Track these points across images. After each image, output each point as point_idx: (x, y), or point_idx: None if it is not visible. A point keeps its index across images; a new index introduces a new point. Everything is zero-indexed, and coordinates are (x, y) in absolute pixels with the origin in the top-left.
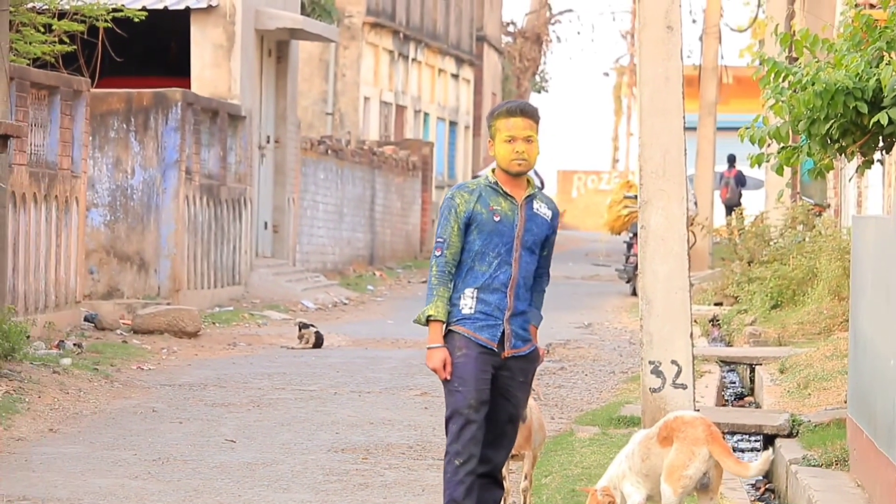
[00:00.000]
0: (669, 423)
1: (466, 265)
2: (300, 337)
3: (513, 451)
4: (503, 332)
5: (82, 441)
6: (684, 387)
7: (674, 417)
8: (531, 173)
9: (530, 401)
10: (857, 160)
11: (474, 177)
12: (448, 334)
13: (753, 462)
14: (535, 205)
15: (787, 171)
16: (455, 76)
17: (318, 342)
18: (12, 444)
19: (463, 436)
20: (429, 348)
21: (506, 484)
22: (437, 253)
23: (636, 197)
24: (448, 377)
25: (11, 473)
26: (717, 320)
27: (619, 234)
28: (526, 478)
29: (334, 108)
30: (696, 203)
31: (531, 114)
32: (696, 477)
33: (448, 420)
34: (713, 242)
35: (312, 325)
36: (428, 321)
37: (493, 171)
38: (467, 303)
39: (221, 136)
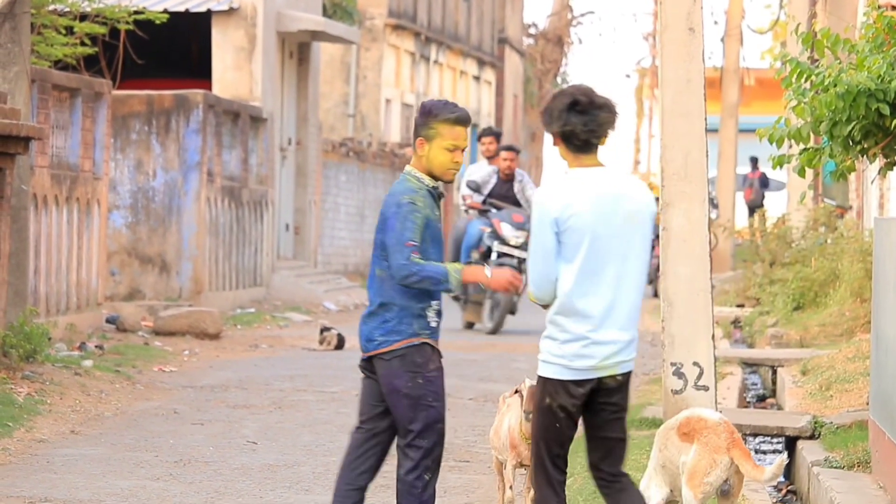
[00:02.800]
0: (692, 421)
1: None
2: (321, 340)
3: (526, 463)
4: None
5: (104, 443)
6: (706, 388)
7: (697, 417)
8: (527, 180)
9: None
10: (879, 162)
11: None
12: (421, 346)
13: (768, 467)
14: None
15: (809, 172)
16: (476, 78)
17: (340, 344)
18: (34, 445)
19: (435, 451)
20: (491, 274)
21: (510, 492)
22: (412, 261)
23: (658, 199)
24: (519, 285)
25: (33, 475)
26: (739, 322)
27: None
28: None
29: (356, 110)
30: (716, 205)
31: (470, 122)
32: (716, 484)
33: (419, 434)
34: (735, 244)
35: (333, 328)
36: (462, 273)
37: (412, 168)
38: (433, 316)
39: (243, 138)
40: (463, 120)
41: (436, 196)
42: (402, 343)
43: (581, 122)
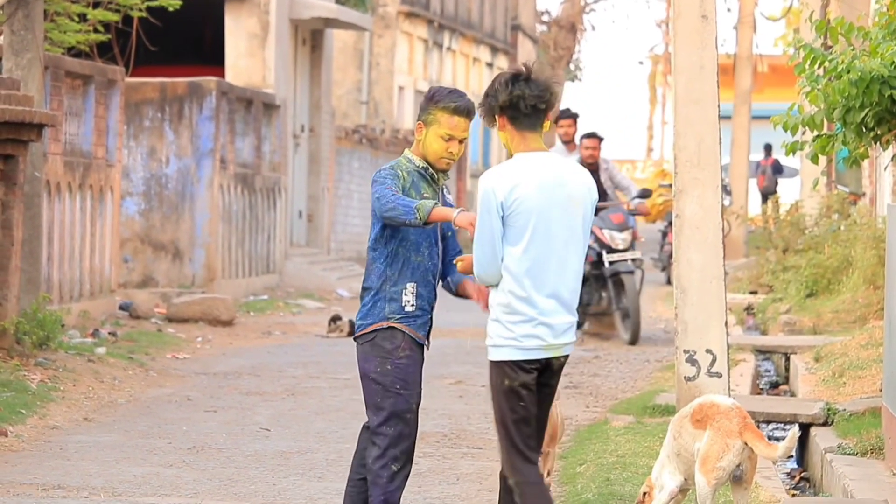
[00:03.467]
0: (704, 407)
1: (402, 256)
2: (332, 329)
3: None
4: (430, 327)
5: (117, 430)
6: (719, 375)
7: (710, 403)
8: (613, 167)
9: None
10: (893, 149)
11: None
12: (389, 330)
13: (781, 443)
14: (446, 191)
15: (822, 159)
16: (489, 65)
17: (353, 330)
18: (47, 432)
19: (403, 442)
20: (458, 217)
21: None
22: (394, 191)
23: (671, 186)
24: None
25: (47, 462)
26: (752, 309)
27: (654, 222)
28: (548, 474)
29: (369, 97)
30: (729, 192)
31: (472, 114)
32: (729, 469)
33: (385, 422)
34: (748, 231)
35: (343, 317)
36: (431, 211)
37: (410, 151)
38: (409, 299)
39: (256, 126)
40: (462, 110)
41: (427, 177)
42: (372, 327)
43: (528, 89)
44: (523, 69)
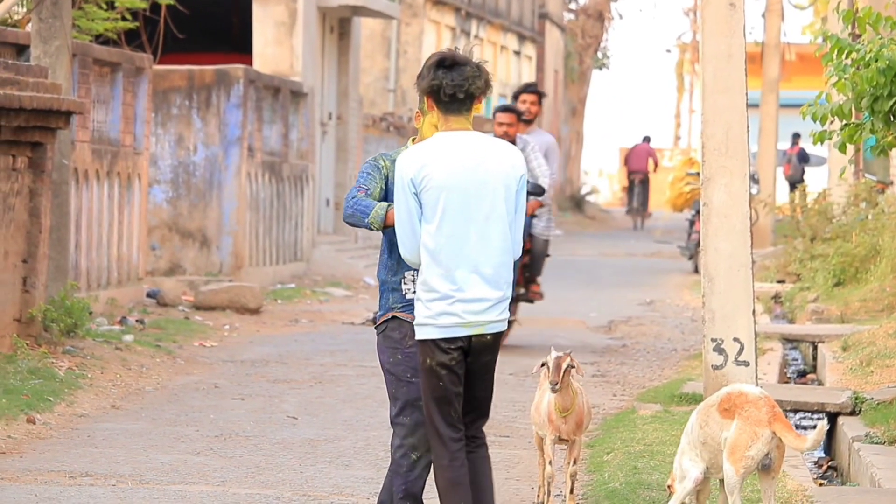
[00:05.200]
0: (732, 396)
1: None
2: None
3: (564, 437)
4: None
5: (144, 417)
6: (746, 364)
7: (738, 392)
8: (532, 150)
9: (578, 387)
10: None
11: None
12: (393, 320)
13: (809, 434)
14: None
15: (850, 148)
16: (517, 53)
17: None
18: (75, 420)
19: (419, 429)
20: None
21: (549, 468)
22: (355, 194)
23: (698, 174)
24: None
25: (74, 449)
26: (780, 297)
27: (682, 210)
28: (574, 462)
29: (396, 85)
30: (757, 181)
31: None
32: (757, 458)
33: (401, 411)
34: (776, 220)
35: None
36: (387, 211)
37: (413, 140)
38: (409, 287)
39: (283, 113)
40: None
41: None
42: (383, 318)
43: (448, 77)
44: (448, 56)
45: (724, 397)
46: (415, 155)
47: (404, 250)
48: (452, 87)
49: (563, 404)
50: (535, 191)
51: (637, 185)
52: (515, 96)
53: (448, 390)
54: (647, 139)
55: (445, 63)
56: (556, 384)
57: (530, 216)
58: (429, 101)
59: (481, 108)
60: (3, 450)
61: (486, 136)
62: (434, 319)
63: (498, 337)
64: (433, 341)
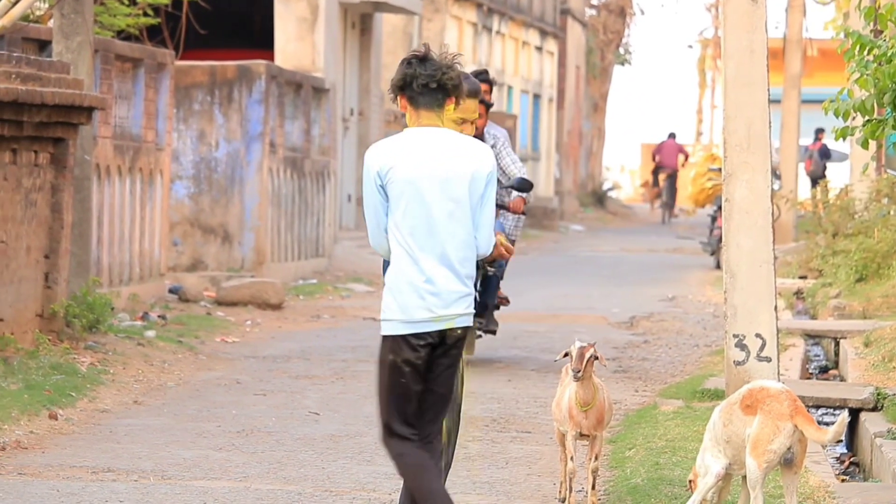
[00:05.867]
0: (754, 392)
1: None
2: None
3: (584, 432)
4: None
5: (167, 413)
6: (768, 360)
7: (759, 387)
8: (503, 145)
9: (600, 382)
10: None
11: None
12: None
13: (830, 427)
14: None
15: (872, 144)
16: (539, 49)
17: None
18: (97, 415)
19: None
20: None
21: (571, 463)
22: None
23: (720, 170)
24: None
25: (97, 445)
26: (802, 293)
27: (704, 206)
28: (596, 458)
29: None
30: (779, 177)
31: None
32: (780, 451)
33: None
34: (798, 216)
35: None
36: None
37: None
38: None
39: (305, 109)
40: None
41: None
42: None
43: (421, 68)
44: (421, 51)
45: (745, 394)
46: (382, 148)
47: (372, 242)
48: (425, 76)
49: (584, 397)
50: (523, 186)
51: (666, 180)
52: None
53: (409, 388)
54: (672, 135)
55: (417, 57)
56: (579, 371)
57: (521, 214)
58: (402, 99)
59: (452, 110)
60: (25, 445)
61: (456, 132)
62: (403, 314)
63: (465, 331)
64: (402, 337)
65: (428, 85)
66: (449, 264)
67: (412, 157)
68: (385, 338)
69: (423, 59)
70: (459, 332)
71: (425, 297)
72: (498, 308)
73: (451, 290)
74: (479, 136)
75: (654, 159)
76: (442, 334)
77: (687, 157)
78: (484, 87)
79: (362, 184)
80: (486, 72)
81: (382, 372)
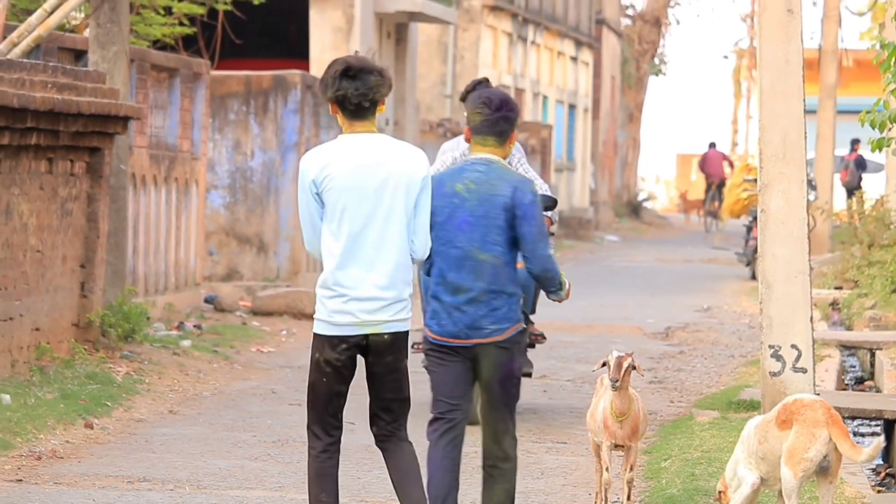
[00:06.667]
0: (788, 406)
1: None
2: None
3: (619, 443)
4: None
5: (202, 422)
6: (804, 371)
7: (793, 400)
8: (521, 159)
9: (635, 393)
10: None
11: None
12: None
13: (866, 447)
14: None
15: None
16: (574, 59)
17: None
18: (133, 425)
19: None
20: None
21: (607, 474)
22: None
23: (756, 180)
24: None
25: (132, 454)
26: (837, 304)
27: (739, 217)
28: (631, 468)
29: (453, 91)
30: (814, 187)
31: None
32: (816, 460)
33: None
34: (833, 226)
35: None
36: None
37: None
38: None
39: None
40: None
41: None
42: (514, 329)
43: (353, 87)
44: (353, 64)
45: (780, 410)
46: (317, 155)
47: (308, 247)
48: (357, 96)
49: (620, 407)
50: (548, 204)
51: (714, 189)
52: (465, 96)
53: (330, 388)
54: (712, 145)
55: (349, 72)
56: (617, 381)
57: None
58: (333, 107)
59: (384, 109)
60: (61, 454)
61: (391, 137)
62: (329, 317)
63: (398, 337)
64: (326, 337)
65: (360, 104)
66: (380, 270)
67: (347, 165)
68: (314, 336)
69: (355, 75)
70: (387, 337)
71: (349, 302)
72: (533, 346)
73: (378, 297)
74: None
75: (700, 169)
76: (369, 339)
77: (732, 164)
78: None
79: (298, 192)
80: (486, 80)
81: (310, 368)
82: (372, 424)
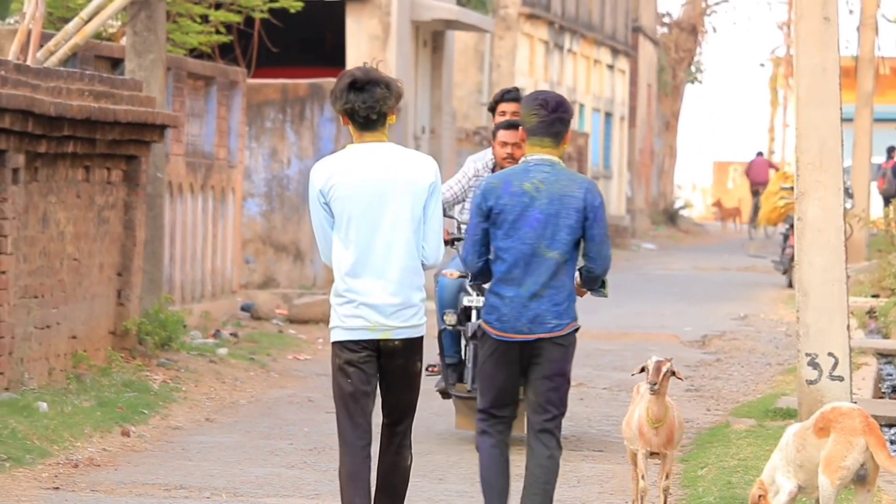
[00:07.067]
0: (826, 414)
1: None
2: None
3: (654, 450)
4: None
5: (238, 430)
6: (841, 379)
7: (831, 408)
8: None
9: (671, 401)
10: None
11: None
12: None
13: None
14: None
15: None
16: (610, 67)
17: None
18: (169, 432)
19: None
20: None
21: (643, 482)
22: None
23: (792, 188)
24: None
25: (169, 462)
26: (874, 312)
27: (776, 225)
28: (667, 476)
29: (489, 99)
30: (851, 195)
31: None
32: (853, 468)
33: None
34: (870, 234)
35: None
36: None
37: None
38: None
39: None
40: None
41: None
42: (572, 325)
43: (360, 100)
44: (360, 77)
45: (818, 418)
46: (324, 166)
47: (323, 257)
48: (365, 109)
49: (656, 413)
50: None
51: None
52: (493, 105)
53: (355, 388)
54: (760, 153)
55: (356, 85)
56: (655, 384)
57: None
58: (344, 118)
59: (395, 119)
60: (98, 462)
61: (399, 146)
62: (342, 322)
63: (409, 343)
64: (341, 343)
65: (368, 116)
66: (389, 277)
67: (354, 174)
68: (332, 345)
69: (360, 88)
70: (397, 343)
71: (360, 307)
72: None
73: (389, 304)
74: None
75: (746, 176)
76: (380, 344)
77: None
78: (513, 106)
79: (308, 202)
80: (516, 89)
81: (333, 380)
82: (383, 427)
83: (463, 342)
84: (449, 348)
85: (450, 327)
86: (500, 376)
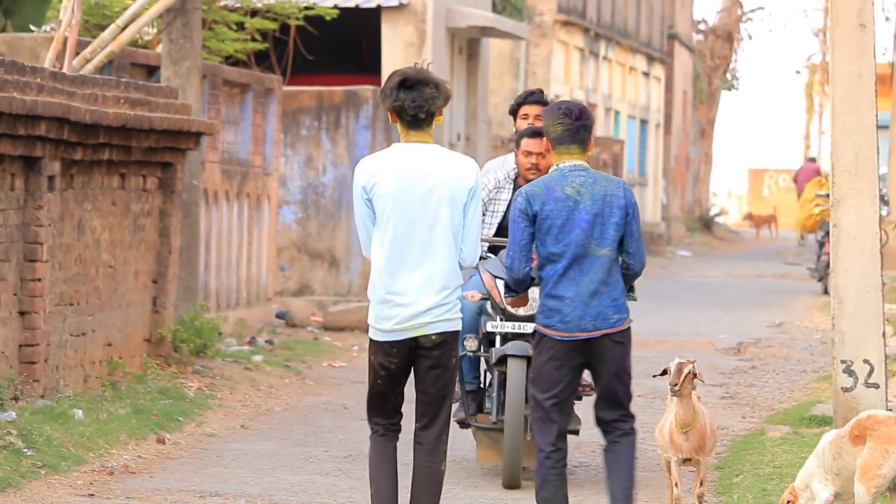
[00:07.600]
0: (862, 422)
1: None
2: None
3: (686, 456)
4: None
5: (273, 437)
6: (877, 386)
7: (867, 416)
8: None
9: (702, 407)
10: None
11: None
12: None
13: None
14: None
15: None
16: (646, 74)
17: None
18: (205, 440)
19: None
20: None
21: (677, 490)
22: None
23: (828, 195)
24: None
25: (204, 469)
26: None
27: (811, 232)
28: (701, 483)
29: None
30: (887, 202)
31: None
32: (889, 476)
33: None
34: None
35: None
36: None
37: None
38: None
39: None
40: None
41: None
42: (629, 320)
43: (409, 98)
44: (410, 75)
45: (854, 425)
46: (368, 163)
47: (365, 252)
48: (414, 107)
49: (684, 417)
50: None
51: None
52: (515, 108)
53: (385, 388)
54: (811, 160)
55: (407, 84)
56: (676, 385)
57: None
58: (392, 116)
59: (442, 120)
60: (133, 469)
61: (443, 148)
62: (377, 323)
63: (446, 336)
64: (377, 342)
65: (416, 115)
66: (425, 276)
67: (396, 172)
68: (369, 339)
69: (412, 86)
70: (434, 337)
71: (394, 308)
72: (580, 399)
73: (423, 303)
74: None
75: (794, 182)
76: (418, 339)
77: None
78: (536, 109)
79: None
80: (540, 91)
81: (368, 368)
82: (416, 426)
83: (483, 367)
84: (468, 374)
85: (470, 353)
86: (558, 378)
